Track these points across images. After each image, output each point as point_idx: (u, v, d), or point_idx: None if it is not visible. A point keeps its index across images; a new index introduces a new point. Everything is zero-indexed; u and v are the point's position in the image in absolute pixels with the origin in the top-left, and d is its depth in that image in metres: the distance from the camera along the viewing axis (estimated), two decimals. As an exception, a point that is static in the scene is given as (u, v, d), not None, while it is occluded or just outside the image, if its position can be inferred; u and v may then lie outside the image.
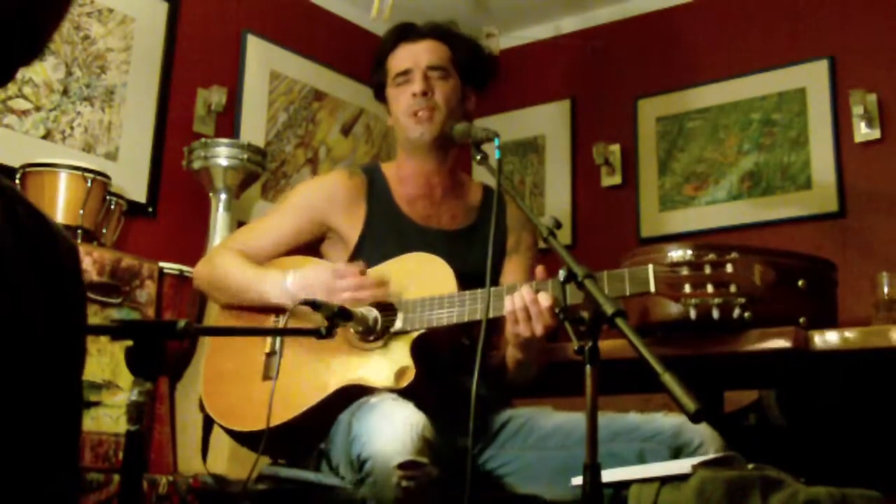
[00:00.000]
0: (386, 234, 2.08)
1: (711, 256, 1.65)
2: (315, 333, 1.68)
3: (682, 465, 1.58)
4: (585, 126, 4.10)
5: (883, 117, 3.35)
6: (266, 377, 1.94)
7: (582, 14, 4.17)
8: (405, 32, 2.18)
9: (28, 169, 2.73)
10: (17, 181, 2.71)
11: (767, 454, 1.79)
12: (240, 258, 2.06)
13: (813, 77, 3.53)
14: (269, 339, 1.99)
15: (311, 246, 2.16)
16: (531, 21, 4.26)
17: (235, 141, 3.30)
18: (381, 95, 2.23)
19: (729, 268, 1.64)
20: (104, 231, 2.86)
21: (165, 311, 2.79)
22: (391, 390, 1.82)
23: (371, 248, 2.06)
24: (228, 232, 3.20)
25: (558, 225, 1.66)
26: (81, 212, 2.72)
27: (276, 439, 1.83)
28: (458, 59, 2.15)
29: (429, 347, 1.89)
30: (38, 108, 3.01)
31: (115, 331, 1.27)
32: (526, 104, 4.24)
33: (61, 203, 2.71)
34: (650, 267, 1.70)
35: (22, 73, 2.88)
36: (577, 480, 1.57)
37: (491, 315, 1.78)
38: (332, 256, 2.13)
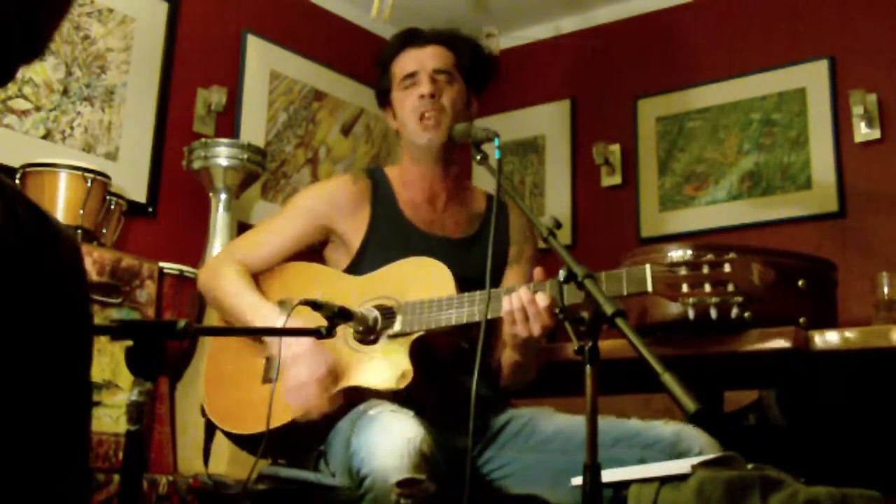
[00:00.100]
0: (389, 239, 2.08)
1: (710, 256, 1.65)
2: (315, 333, 1.69)
3: (681, 465, 1.59)
4: (585, 126, 4.10)
5: (883, 117, 3.34)
6: (266, 380, 1.94)
7: (582, 14, 4.17)
8: (410, 37, 2.18)
9: (28, 169, 2.73)
10: (17, 181, 2.71)
11: (767, 454, 1.79)
12: (241, 278, 2.06)
13: (813, 77, 3.53)
14: (269, 348, 1.99)
15: (314, 250, 2.17)
16: (531, 21, 4.26)
17: (235, 141, 3.30)
18: (383, 102, 2.23)
19: (727, 267, 1.63)
20: (104, 231, 2.86)
21: (165, 311, 2.79)
22: (390, 392, 1.82)
23: (374, 253, 2.06)
24: (228, 232, 3.20)
25: (558, 225, 1.67)
26: (81, 212, 2.72)
27: (276, 442, 1.83)
28: (463, 64, 2.16)
29: (427, 349, 1.89)
30: (38, 108, 3.01)
31: (115, 331, 1.27)
32: (526, 104, 4.24)
33: (61, 203, 2.71)
34: (647, 266, 1.70)
35: (22, 73, 2.88)
36: (577, 481, 1.57)
37: (489, 316, 1.78)
38: (335, 260, 2.13)
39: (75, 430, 0.86)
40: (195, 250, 3.22)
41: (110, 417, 2.59)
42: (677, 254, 1.76)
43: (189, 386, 2.89)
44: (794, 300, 2.07)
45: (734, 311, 1.64)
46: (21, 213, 0.81)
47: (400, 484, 1.61)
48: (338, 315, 1.74)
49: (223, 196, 3.23)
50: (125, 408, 1.19)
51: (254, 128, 3.69)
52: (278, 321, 1.90)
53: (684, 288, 1.65)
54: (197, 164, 3.22)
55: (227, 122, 3.61)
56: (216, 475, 2.04)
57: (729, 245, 1.73)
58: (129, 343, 1.19)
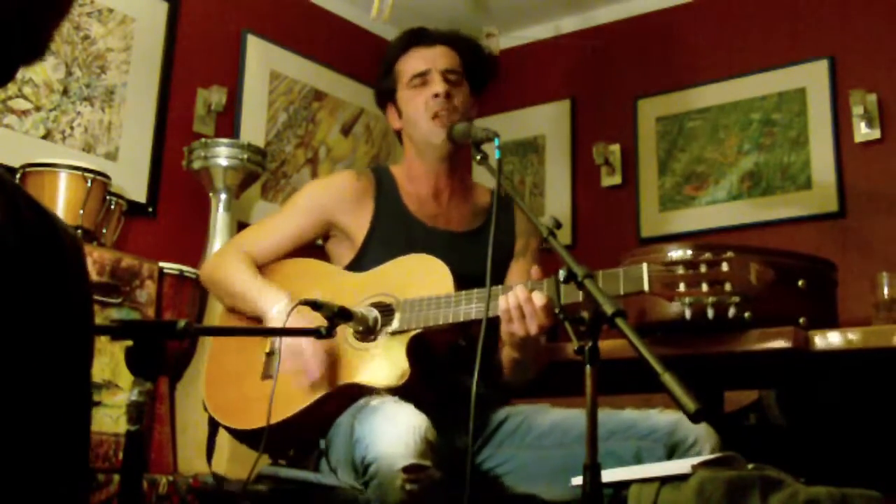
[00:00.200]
0: (393, 233, 2.09)
1: (707, 255, 1.65)
2: (315, 333, 1.69)
3: (681, 465, 1.58)
4: (585, 126, 4.10)
5: (883, 117, 3.34)
6: (266, 376, 1.95)
7: (582, 14, 4.17)
8: (417, 37, 2.18)
9: (28, 169, 2.73)
10: (17, 181, 2.71)
11: (767, 454, 1.79)
12: (245, 265, 2.08)
13: (813, 77, 3.53)
14: (269, 339, 2.01)
15: (316, 245, 2.18)
16: (531, 21, 4.26)
17: (235, 141, 3.30)
18: (383, 101, 2.23)
19: (724, 266, 1.63)
20: (104, 231, 2.86)
21: (165, 311, 2.79)
22: (388, 389, 1.83)
23: (377, 247, 2.07)
24: (228, 232, 3.20)
25: (558, 225, 1.66)
26: (81, 212, 2.72)
27: (276, 437, 1.84)
28: (467, 65, 2.17)
29: (425, 347, 1.90)
30: (38, 108, 3.01)
31: (115, 331, 1.27)
32: (526, 104, 4.24)
33: (61, 203, 2.71)
34: (644, 265, 1.69)
35: (22, 73, 2.88)
36: (577, 480, 1.57)
37: (487, 315, 1.78)
38: (339, 255, 2.15)
39: (75, 430, 0.86)
40: (195, 250, 3.22)
41: (110, 417, 2.59)
42: (677, 254, 1.76)
43: (189, 386, 2.89)
44: (794, 300, 2.07)
45: (731, 311, 1.64)
46: (23, 210, 0.81)
47: (406, 469, 1.61)
48: (338, 315, 1.75)
49: (223, 196, 3.23)
50: (125, 408, 1.19)
51: (254, 128, 3.69)
52: (283, 302, 1.94)
53: (681, 287, 1.65)
54: (197, 164, 3.22)
55: (227, 122, 3.61)
56: (218, 473, 2.04)
57: (729, 245, 1.73)
58: (129, 343, 1.19)
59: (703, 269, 1.63)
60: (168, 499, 2.44)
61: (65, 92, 3.09)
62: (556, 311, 1.50)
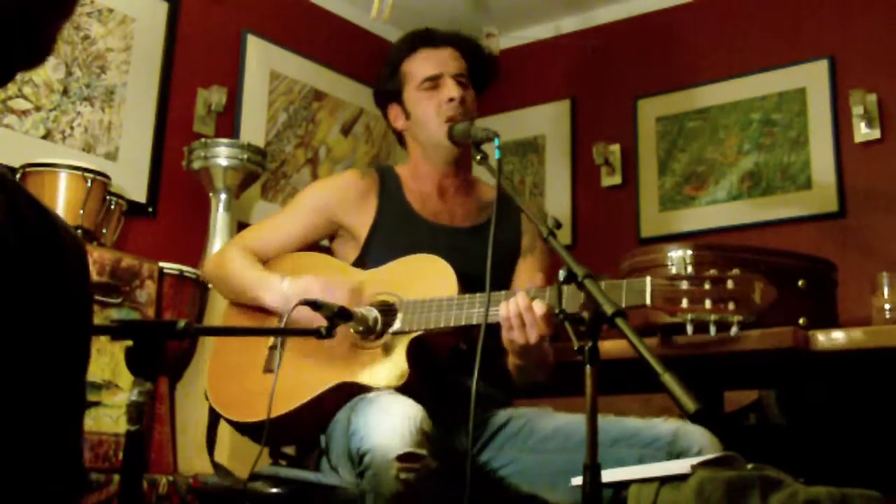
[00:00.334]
0: (396, 230, 2.09)
1: (713, 272, 1.63)
2: (315, 333, 1.69)
3: (681, 466, 1.58)
4: (585, 126, 4.10)
5: (883, 117, 3.34)
6: (268, 370, 1.97)
7: (582, 14, 4.17)
8: (426, 38, 2.18)
9: (28, 169, 2.73)
10: (17, 181, 2.71)
11: (767, 454, 1.79)
12: (247, 258, 2.09)
13: (813, 77, 3.53)
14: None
15: (319, 245, 2.19)
16: (531, 21, 4.26)
17: (235, 141, 3.30)
18: (385, 101, 2.22)
19: (729, 284, 1.61)
20: (104, 231, 2.86)
21: (165, 311, 2.79)
22: (387, 389, 1.83)
23: (381, 245, 2.08)
24: (228, 232, 3.21)
25: (558, 225, 1.66)
26: (81, 212, 2.72)
27: (277, 431, 1.86)
28: (471, 68, 2.17)
29: (426, 349, 1.90)
30: (38, 108, 3.01)
31: (115, 331, 1.27)
32: (526, 104, 4.24)
33: (61, 203, 2.71)
34: (648, 279, 1.68)
35: (22, 73, 2.88)
36: (577, 481, 1.57)
37: (488, 320, 1.78)
38: (344, 254, 2.15)
39: (70, 429, 0.85)
40: (195, 250, 3.22)
41: (110, 417, 2.59)
42: (677, 254, 1.76)
43: (189, 386, 2.89)
44: (794, 300, 2.07)
45: (733, 330, 1.63)
46: (23, 209, 0.81)
47: (401, 458, 1.61)
48: (337, 315, 1.75)
49: (223, 196, 3.23)
50: (125, 408, 1.19)
51: (254, 128, 3.69)
52: (283, 284, 1.96)
53: (684, 303, 1.63)
54: (197, 164, 3.22)
55: (227, 122, 3.61)
56: (220, 464, 2.04)
57: (730, 246, 1.74)
58: (129, 343, 1.19)
59: (707, 285, 1.62)
60: (168, 499, 2.44)
61: (65, 92, 3.09)
62: (556, 311, 1.50)
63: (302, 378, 1.91)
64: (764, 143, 3.61)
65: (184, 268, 2.87)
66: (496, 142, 1.89)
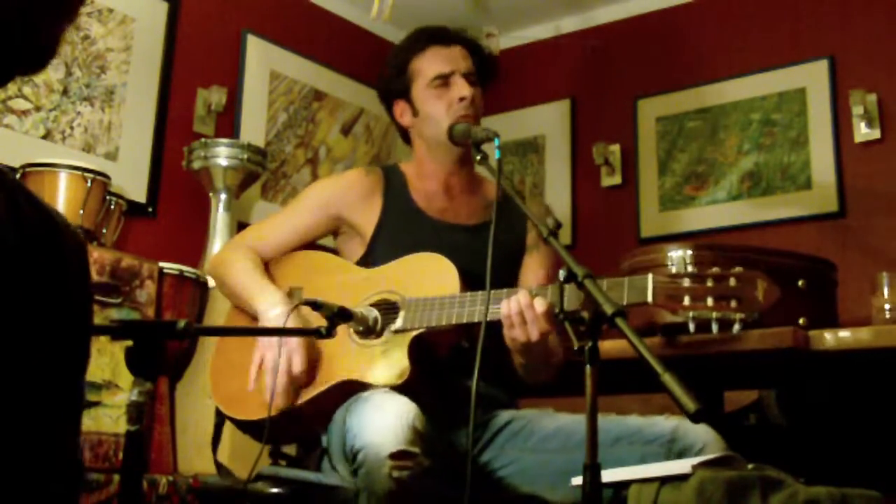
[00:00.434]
0: (401, 228, 2.09)
1: (715, 270, 1.63)
2: (315, 333, 1.69)
3: (681, 466, 1.58)
4: (585, 126, 4.10)
5: (883, 117, 3.34)
6: None
7: (582, 14, 4.17)
8: (437, 35, 2.17)
9: (28, 169, 2.73)
10: (17, 181, 2.71)
11: (767, 454, 1.79)
12: (249, 261, 2.09)
13: (813, 77, 3.53)
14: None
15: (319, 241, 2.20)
16: (531, 21, 4.26)
17: (235, 141, 3.30)
18: (391, 97, 2.21)
19: (732, 281, 1.60)
20: (104, 231, 2.87)
21: (165, 311, 2.79)
22: (387, 388, 1.83)
23: (386, 243, 2.08)
24: (228, 232, 3.21)
25: (559, 225, 1.66)
26: (81, 212, 2.72)
27: (277, 429, 1.87)
28: (477, 67, 2.17)
29: (427, 347, 1.90)
30: (38, 108, 3.01)
31: (115, 331, 1.27)
32: (526, 104, 4.24)
33: (61, 203, 2.70)
34: (649, 276, 1.67)
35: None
36: (577, 481, 1.57)
37: (488, 318, 1.78)
38: (349, 251, 2.16)
39: (68, 428, 0.85)
40: (195, 250, 3.22)
41: (110, 417, 2.59)
42: (677, 254, 1.75)
43: (189, 386, 2.89)
44: (794, 300, 2.07)
45: (736, 327, 1.63)
46: (23, 208, 0.80)
47: (393, 456, 1.61)
48: (337, 315, 1.75)
49: (223, 196, 3.23)
50: (125, 408, 1.19)
51: (254, 128, 3.69)
52: (279, 309, 1.94)
53: (686, 300, 1.63)
54: (197, 164, 3.22)
55: (227, 122, 3.61)
56: (222, 463, 2.04)
57: (731, 245, 1.74)
58: (129, 343, 1.18)
59: (709, 283, 1.61)
60: (168, 499, 2.44)
61: (65, 92, 3.09)
62: (557, 311, 1.50)
63: (302, 377, 1.92)
64: (764, 143, 3.61)
65: (184, 268, 2.86)
66: (496, 142, 1.89)
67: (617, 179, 3.95)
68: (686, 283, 1.63)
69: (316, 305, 1.74)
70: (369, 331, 1.90)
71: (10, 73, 0.80)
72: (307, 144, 3.92)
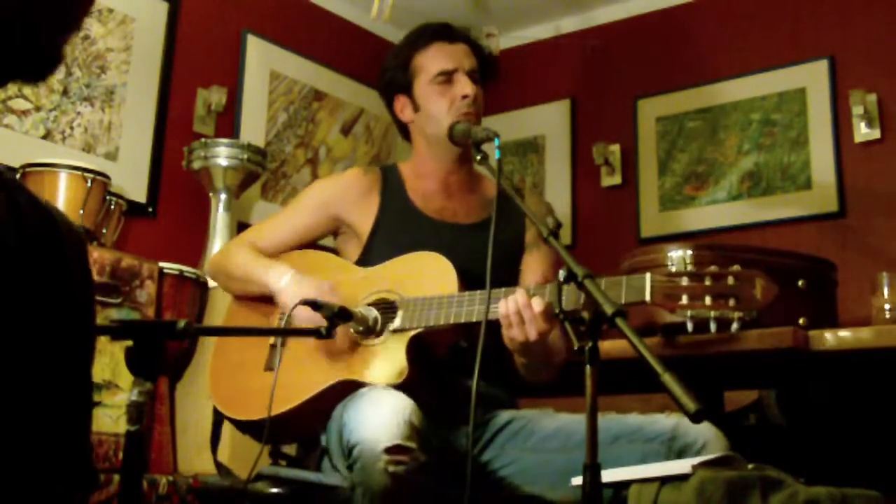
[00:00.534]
0: (398, 227, 2.09)
1: (713, 268, 1.62)
2: (315, 333, 1.69)
3: (682, 466, 1.58)
4: (585, 126, 4.10)
5: (883, 117, 3.34)
6: (268, 368, 1.97)
7: (582, 14, 4.17)
8: (442, 32, 2.17)
9: (28, 169, 2.73)
10: (17, 181, 2.71)
11: (767, 454, 1.79)
12: (252, 252, 2.11)
13: (813, 77, 3.53)
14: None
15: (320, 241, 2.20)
16: (531, 21, 4.26)
17: (235, 141, 3.30)
18: (392, 92, 2.19)
19: (730, 280, 1.59)
20: (104, 231, 2.87)
21: (165, 311, 2.79)
22: (387, 387, 1.83)
23: (383, 242, 2.08)
24: (228, 232, 3.21)
25: (559, 225, 1.66)
26: (81, 212, 2.72)
27: (277, 429, 1.87)
28: (480, 67, 2.17)
29: (425, 347, 1.90)
30: (38, 108, 3.01)
31: (115, 331, 1.27)
32: (526, 104, 4.24)
33: (61, 203, 2.71)
34: (647, 275, 1.67)
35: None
36: (577, 480, 1.57)
37: (488, 317, 1.78)
38: (347, 251, 2.16)
39: (76, 428, 0.85)
40: (195, 250, 3.22)
41: (110, 417, 2.59)
42: (678, 254, 1.75)
43: (189, 386, 2.89)
44: (794, 300, 2.07)
45: (734, 326, 1.62)
46: (24, 207, 0.80)
47: (389, 450, 1.61)
48: (337, 315, 1.75)
49: (223, 196, 3.23)
50: (125, 408, 1.19)
51: (254, 128, 3.69)
52: (288, 275, 1.98)
53: (684, 299, 1.62)
54: (197, 164, 3.22)
55: (227, 122, 3.61)
56: (222, 463, 2.04)
57: (731, 246, 1.74)
58: (129, 343, 1.19)
59: (707, 281, 1.60)
60: (168, 499, 2.44)
61: (65, 92, 3.09)
62: (556, 311, 1.50)
63: (302, 376, 1.92)
64: (764, 143, 3.61)
65: (184, 268, 2.87)
66: (496, 142, 1.88)
67: (617, 179, 3.95)
68: (684, 281, 1.63)
69: (316, 305, 1.75)
70: (369, 331, 1.90)
71: (9, 75, 0.79)
72: (307, 144, 3.92)
